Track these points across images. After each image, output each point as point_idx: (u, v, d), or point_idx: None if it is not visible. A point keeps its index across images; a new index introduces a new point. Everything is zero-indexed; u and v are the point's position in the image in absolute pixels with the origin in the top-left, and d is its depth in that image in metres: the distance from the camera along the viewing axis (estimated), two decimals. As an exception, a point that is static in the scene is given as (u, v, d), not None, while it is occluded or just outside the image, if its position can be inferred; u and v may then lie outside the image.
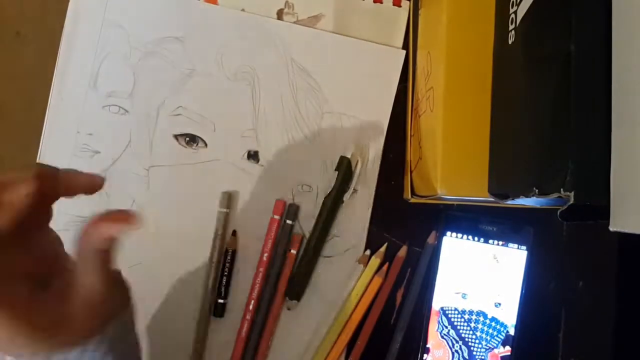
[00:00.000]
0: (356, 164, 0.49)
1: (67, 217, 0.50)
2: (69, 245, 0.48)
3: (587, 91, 0.30)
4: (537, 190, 0.32)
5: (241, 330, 0.49)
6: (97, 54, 0.50)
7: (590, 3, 0.31)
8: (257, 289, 0.49)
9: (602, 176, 0.30)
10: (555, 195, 0.30)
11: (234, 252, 0.50)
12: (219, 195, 0.50)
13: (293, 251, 0.50)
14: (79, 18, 0.50)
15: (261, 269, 0.49)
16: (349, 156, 0.49)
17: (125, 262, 0.48)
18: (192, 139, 0.50)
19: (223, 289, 0.49)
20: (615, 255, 0.53)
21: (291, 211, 0.50)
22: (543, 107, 0.33)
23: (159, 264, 0.50)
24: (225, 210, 0.49)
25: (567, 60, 0.31)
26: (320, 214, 0.50)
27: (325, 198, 0.50)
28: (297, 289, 0.49)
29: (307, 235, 0.50)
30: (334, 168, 0.50)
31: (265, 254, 0.49)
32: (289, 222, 0.50)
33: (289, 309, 0.50)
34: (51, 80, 0.50)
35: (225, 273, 0.49)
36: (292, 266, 0.50)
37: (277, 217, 0.50)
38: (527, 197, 0.33)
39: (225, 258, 0.49)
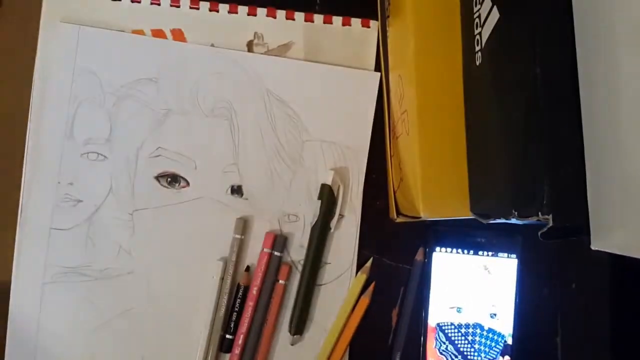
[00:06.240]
0: (338, 189, 0.49)
1: (55, 268, 0.49)
2: (57, 295, 0.48)
3: (556, 113, 0.31)
4: (516, 213, 0.32)
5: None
6: (70, 102, 0.50)
7: (552, 24, 0.31)
8: (246, 323, 0.49)
9: (579, 197, 0.30)
10: (535, 218, 0.31)
11: (246, 289, 0.49)
12: (205, 233, 0.50)
13: (282, 281, 0.49)
14: (48, 68, 0.50)
15: (250, 303, 0.49)
16: (329, 183, 0.49)
17: (116, 308, 0.49)
18: (173, 179, 0.50)
19: (232, 324, 0.49)
20: (606, 255, 0.53)
21: (279, 242, 0.50)
22: (514, 129, 0.33)
23: (151, 307, 0.50)
24: (239, 236, 0.49)
25: (535, 83, 0.31)
26: (309, 245, 0.50)
27: (312, 228, 0.50)
28: (298, 324, 0.49)
29: (297, 265, 0.50)
30: (317, 196, 0.50)
31: (255, 288, 0.49)
32: (277, 253, 0.50)
33: (292, 344, 0.50)
34: (27, 124, 0.49)
35: (236, 309, 0.49)
36: (281, 297, 0.50)
37: (267, 250, 0.49)
38: (507, 219, 0.33)
39: (237, 293, 0.49)
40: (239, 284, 0.49)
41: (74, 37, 0.50)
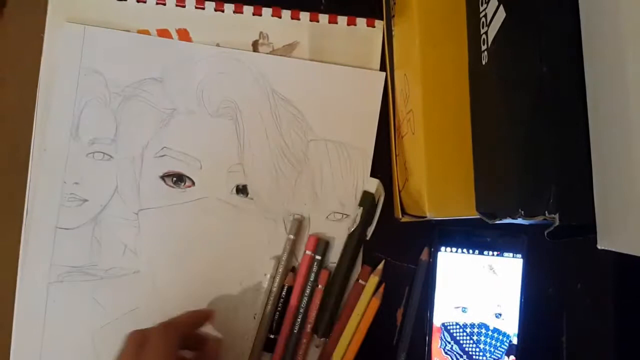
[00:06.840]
0: (379, 198, 0.50)
1: (61, 268, 0.49)
2: (62, 294, 0.48)
3: (563, 112, 0.30)
4: (522, 212, 0.32)
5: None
6: (76, 103, 0.50)
7: (559, 23, 0.31)
8: (287, 326, 0.49)
9: (585, 196, 0.30)
10: (541, 217, 0.31)
11: (290, 289, 0.50)
12: (210, 233, 0.50)
13: (320, 286, 0.50)
14: (54, 68, 0.50)
15: (294, 304, 0.49)
16: (372, 191, 0.49)
17: (121, 308, 0.49)
18: (179, 179, 0.50)
19: (274, 324, 0.49)
20: (611, 254, 0.53)
21: (320, 246, 0.50)
22: (521, 129, 0.33)
23: (156, 306, 0.50)
24: (292, 237, 0.49)
25: (541, 82, 0.31)
26: (344, 250, 0.50)
27: (349, 234, 0.50)
28: (326, 327, 0.49)
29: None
30: (358, 203, 0.50)
31: (298, 289, 0.50)
32: (318, 257, 0.50)
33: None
34: (33, 124, 0.50)
35: (279, 309, 0.49)
36: (320, 300, 0.50)
37: (309, 252, 0.50)
38: (513, 218, 0.33)
39: (280, 293, 0.49)
40: (283, 285, 0.50)
41: (80, 37, 0.50)
